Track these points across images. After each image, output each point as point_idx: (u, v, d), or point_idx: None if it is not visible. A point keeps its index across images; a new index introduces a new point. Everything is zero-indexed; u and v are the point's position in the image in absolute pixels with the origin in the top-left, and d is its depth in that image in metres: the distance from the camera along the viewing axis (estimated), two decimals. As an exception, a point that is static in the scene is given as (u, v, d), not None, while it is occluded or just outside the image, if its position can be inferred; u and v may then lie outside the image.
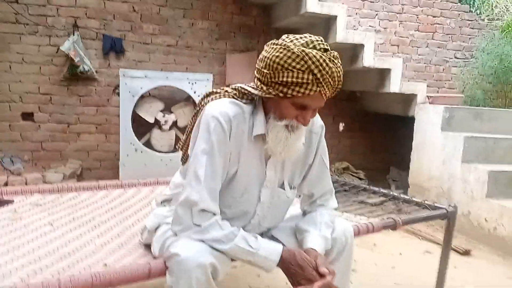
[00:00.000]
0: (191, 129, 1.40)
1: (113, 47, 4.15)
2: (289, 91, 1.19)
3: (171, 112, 3.96)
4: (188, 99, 4.01)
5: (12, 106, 3.99)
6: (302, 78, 1.16)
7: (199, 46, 4.44)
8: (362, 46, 3.84)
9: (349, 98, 5.05)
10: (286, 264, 1.26)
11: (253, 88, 1.30)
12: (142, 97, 3.82)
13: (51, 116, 4.10)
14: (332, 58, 1.19)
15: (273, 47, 1.22)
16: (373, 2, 4.90)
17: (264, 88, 1.24)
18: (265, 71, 1.21)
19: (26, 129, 4.05)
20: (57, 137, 4.13)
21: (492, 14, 5.16)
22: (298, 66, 1.16)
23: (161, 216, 1.47)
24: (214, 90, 1.40)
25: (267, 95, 1.25)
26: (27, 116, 4.05)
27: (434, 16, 5.11)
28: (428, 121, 3.82)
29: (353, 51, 4.02)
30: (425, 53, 5.11)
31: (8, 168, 3.65)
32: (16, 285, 1.11)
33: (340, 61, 1.22)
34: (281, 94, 1.21)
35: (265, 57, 1.22)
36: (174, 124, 3.96)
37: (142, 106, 3.85)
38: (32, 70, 4.00)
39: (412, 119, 4.03)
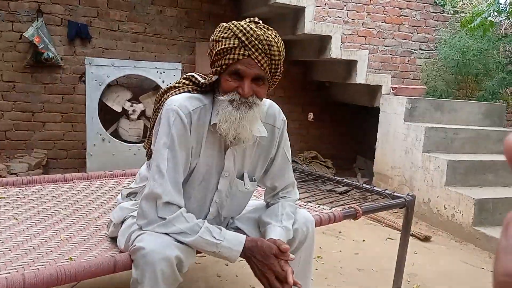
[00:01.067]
0: (153, 125, 1.42)
1: (78, 34, 4.05)
2: (223, 61, 1.25)
3: (139, 102, 3.92)
4: (156, 88, 3.97)
5: (-27, 94, 3.86)
6: (229, 44, 1.24)
7: (168, 33, 4.40)
8: (329, 37, 3.90)
9: (318, 88, 5.13)
10: (249, 253, 1.30)
11: (205, 77, 1.38)
12: (109, 85, 3.76)
13: (15, 104, 3.98)
14: (260, 26, 1.27)
15: (214, 31, 1.32)
16: (342, -8, 4.96)
17: (211, 70, 1.32)
18: (208, 51, 1.32)
19: (-12, 117, 3.93)
20: (22, 126, 4.02)
21: (456, 6, 5.31)
22: (225, 35, 1.25)
23: (127, 209, 1.49)
24: (172, 85, 1.44)
25: (212, 77, 1.32)
26: (-11, 104, 3.93)
27: (400, 8, 5.22)
28: (392, 112, 3.94)
29: (321, 42, 4.07)
30: (391, 45, 5.23)
31: (-31, 158, 3.54)
32: (-21, 281, 1.10)
33: (275, 33, 1.28)
34: (219, 69, 1.28)
35: (210, 40, 1.32)
36: (143, 113, 3.93)
37: (109, 95, 3.79)
38: (-6, 56, 3.87)
39: (377, 110, 4.14)
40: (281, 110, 1.49)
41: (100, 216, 1.79)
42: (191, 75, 1.42)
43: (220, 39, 1.25)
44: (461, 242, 3.10)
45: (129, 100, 3.88)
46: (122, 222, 1.47)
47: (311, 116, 5.16)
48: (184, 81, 1.42)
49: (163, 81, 3.79)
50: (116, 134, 3.84)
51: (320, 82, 5.06)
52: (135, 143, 3.84)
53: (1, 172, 3.45)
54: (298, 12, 3.92)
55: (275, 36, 1.27)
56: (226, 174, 1.40)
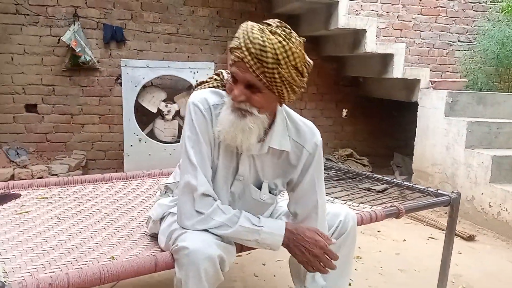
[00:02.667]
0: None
1: (114, 36, 4.13)
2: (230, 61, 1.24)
3: (174, 102, 3.95)
4: (190, 88, 4.00)
5: (16, 97, 4.00)
6: (233, 44, 1.21)
7: (200, 33, 4.42)
8: (364, 31, 3.81)
9: (351, 84, 5.02)
10: (291, 236, 1.29)
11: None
12: (144, 86, 3.81)
13: (54, 107, 4.11)
14: (263, 29, 1.17)
15: None
16: (376, -14, 4.84)
17: None
18: None
19: (30, 120, 4.06)
20: (61, 128, 4.15)
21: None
22: (236, 34, 1.22)
23: (165, 206, 1.49)
24: (203, 80, 1.44)
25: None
26: (31, 107, 4.06)
27: (437, -1, 5.05)
28: (431, 107, 3.80)
29: (355, 36, 3.99)
30: (428, 37, 5.06)
31: (14, 160, 3.68)
32: (25, 280, 1.12)
33: (279, 37, 1.16)
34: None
35: None
36: (177, 113, 3.96)
37: (144, 96, 3.84)
38: (34, 61, 4.00)
39: (415, 105, 4.01)
40: (317, 132, 1.40)
41: (139, 215, 1.80)
42: (220, 71, 1.42)
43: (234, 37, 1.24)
44: (507, 241, 2.95)
45: (163, 101, 3.92)
46: (161, 219, 1.47)
47: (344, 112, 5.07)
48: (214, 76, 1.43)
49: (196, 81, 3.79)
50: (152, 135, 3.89)
51: (354, 78, 4.96)
52: (170, 143, 3.88)
53: (42, 173, 3.56)
54: (331, 7, 3.85)
55: (279, 42, 1.15)
56: (240, 178, 1.38)
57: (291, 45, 1.17)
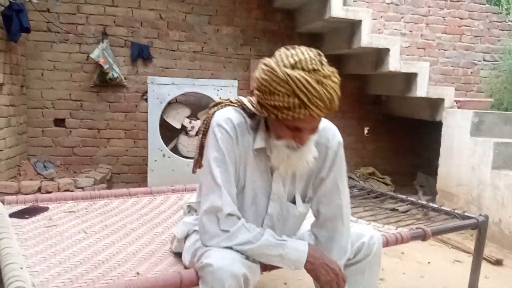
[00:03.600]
0: (201, 142, 1.45)
1: (140, 54, 4.24)
2: (280, 114, 1.19)
3: (197, 118, 4.01)
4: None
5: (45, 112, 4.13)
6: (289, 102, 1.15)
7: (224, 51, 4.49)
8: (387, 50, 3.80)
9: (374, 102, 5.00)
10: (314, 255, 1.29)
11: (253, 105, 1.33)
12: (169, 103, 3.88)
13: (82, 122, 4.22)
14: (321, 79, 1.15)
15: (263, 68, 1.21)
16: (398, 5, 4.84)
17: (259, 108, 1.26)
18: (257, 92, 1.23)
19: (58, 134, 4.18)
20: (88, 142, 4.25)
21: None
22: (283, 90, 1.15)
23: (190, 224, 1.50)
24: (218, 101, 1.43)
25: (263, 115, 1.27)
26: (59, 122, 4.18)
27: (461, 18, 5.01)
28: (456, 126, 3.74)
29: (378, 55, 3.99)
30: (452, 56, 5.02)
31: (41, 173, 3.77)
32: (55, 293, 1.15)
33: (334, 79, 1.18)
34: (273, 116, 1.21)
35: (257, 78, 1.23)
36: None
37: (169, 112, 3.91)
38: (63, 77, 4.13)
39: (439, 123, 3.96)
40: (337, 131, 1.42)
41: (164, 231, 1.82)
42: (240, 98, 1.39)
43: (278, 92, 1.16)
44: (537, 267, 2.85)
45: (187, 117, 3.98)
46: (186, 237, 1.49)
47: (366, 130, 5.04)
48: (231, 99, 1.42)
49: (220, 98, 3.85)
50: (175, 150, 3.95)
51: (376, 96, 4.94)
52: (194, 158, 3.91)
53: (68, 186, 3.64)
54: (354, 26, 3.87)
55: (335, 82, 1.18)
56: (275, 197, 1.39)
57: (337, 77, 1.21)
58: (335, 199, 1.41)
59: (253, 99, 1.34)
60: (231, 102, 1.40)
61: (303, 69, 1.15)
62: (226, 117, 1.31)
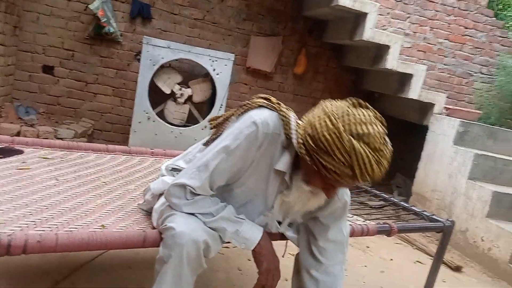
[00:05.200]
0: (232, 114, 1.39)
1: (141, 13, 4.15)
2: (325, 172, 1.15)
3: (188, 86, 3.97)
4: (206, 76, 4.02)
5: (34, 57, 4.04)
6: (341, 170, 1.12)
7: (225, 23, 4.43)
8: (387, 47, 3.80)
9: (367, 98, 5.00)
10: (265, 242, 1.34)
11: (297, 135, 1.24)
12: (162, 67, 3.83)
13: (71, 72, 4.14)
14: (381, 160, 1.13)
15: (326, 123, 1.13)
16: (407, 4, 4.81)
17: (303, 151, 1.19)
18: (311, 142, 1.16)
19: (45, 81, 4.10)
20: (74, 94, 4.18)
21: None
22: (342, 158, 1.11)
23: (167, 183, 1.50)
24: (272, 98, 1.35)
25: (303, 157, 1.20)
26: (48, 69, 4.10)
27: (466, 27, 5.01)
28: (441, 133, 3.79)
29: (378, 51, 3.98)
30: (450, 64, 5.03)
31: (22, 117, 3.72)
32: (15, 233, 1.15)
33: (389, 158, 1.16)
34: (315, 167, 1.17)
35: (316, 128, 1.15)
36: (189, 98, 3.98)
37: (160, 76, 3.87)
38: (59, 24, 4.03)
39: (425, 128, 4.00)
40: (348, 191, 1.47)
41: (136, 188, 1.82)
42: (289, 114, 1.29)
43: (333, 155, 1.11)
44: (493, 278, 2.94)
45: (178, 84, 3.94)
46: (160, 195, 1.48)
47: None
48: (284, 107, 1.32)
49: (213, 69, 3.82)
50: (161, 115, 3.92)
51: (370, 92, 4.95)
52: (178, 126, 3.90)
53: (48, 135, 3.60)
54: (359, 18, 3.85)
55: (389, 160, 1.16)
56: (269, 215, 1.41)
57: (391, 151, 1.19)
58: (341, 253, 1.50)
59: (301, 126, 1.24)
60: (280, 109, 1.31)
61: (368, 146, 1.11)
62: (265, 121, 1.26)
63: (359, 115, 1.14)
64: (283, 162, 1.29)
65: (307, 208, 1.37)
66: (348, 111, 1.15)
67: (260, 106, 1.31)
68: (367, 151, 1.10)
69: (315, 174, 1.20)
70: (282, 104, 1.33)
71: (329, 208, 1.43)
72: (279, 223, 1.46)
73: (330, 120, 1.13)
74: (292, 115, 1.30)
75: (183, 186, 1.29)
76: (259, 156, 1.29)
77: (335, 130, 1.11)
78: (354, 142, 1.10)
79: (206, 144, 1.43)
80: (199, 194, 1.29)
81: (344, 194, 1.45)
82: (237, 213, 1.35)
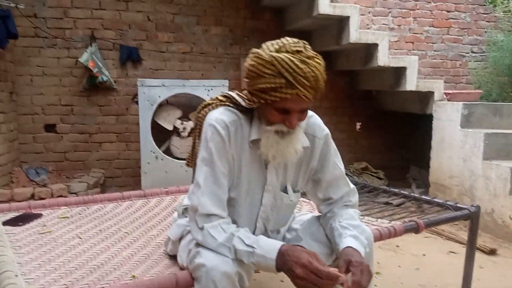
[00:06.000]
0: (194, 142, 1.47)
1: (130, 57, 4.23)
2: (267, 97, 1.22)
3: (189, 119, 4.00)
4: (205, 105, 4.05)
5: (35, 118, 4.10)
6: (275, 83, 1.19)
7: (213, 52, 4.49)
8: (376, 45, 3.83)
9: (365, 97, 5.03)
10: (282, 259, 1.19)
11: (243, 98, 1.36)
12: (160, 105, 3.87)
13: (73, 126, 4.19)
14: (304, 59, 1.19)
15: (250, 56, 1.26)
16: (386, 0, 4.87)
17: (249, 96, 1.30)
18: (246, 80, 1.27)
19: (49, 140, 4.15)
20: (80, 147, 4.23)
21: (508, 6, 5.06)
22: (269, 72, 1.19)
23: (183, 226, 1.50)
24: (209, 101, 1.45)
25: (252, 105, 1.30)
26: (50, 127, 4.16)
27: (448, 11, 5.05)
28: (446, 119, 3.78)
29: (367, 50, 4.00)
30: (440, 49, 5.06)
31: (34, 179, 3.75)
32: (51, 300, 1.14)
33: (317, 60, 1.22)
34: (262, 101, 1.24)
35: (245, 66, 1.27)
36: (193, 130, 4.00)
37: (160, 114, 3.90)
38: (53, 82, 4.11)
39: (430, 116, 3.99)
40: (323, 124, 1.47)
41: (158, 234, 1.82)
42: (228, 93, 1.42)
43: (263, 74, 1.20)
44: (530, 255, 2.89)
45: (179, 118, 3.98)
46: (180, 238, 1.49)
47: (358, 126, 5.07)
48: (220, 97, 1.42)
49: (211, 98, 3.84)
50: (168, 152, 3.94)
51: (366, 91, 4.96)
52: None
53: (61, 192, 3.62)
54: (342, 22, 3.89)
55: (319, 63, 1.22)
56: (269, 188, 1.40)
57: (321, 59, 1.25)
58: (341, 180, 1.50)
59: (243, 93, 1.37)
60: (221, 101, 1.40)
61: (287, 51, 1.20)
62: (218, 117, 1.32)
63: (276, 40, 1.26)
64: (254, 131, 1.34)
65: (284, 154, 1.29)
66: (265, 43, 1.27)
67: (206, 114, 1.38)
68: (287, 55, 1.19)
69: (267, 110, 1.26)
70: (219, 96, 1.43)
71: (316, 154, 1.44)
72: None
73: (252, 52, 1.26)
74: (232, 92, 1.41)
75: (192, 216, 1.30)
76: (234, 149, 1.32)
77: (256, 55, 1.23)
78: (273, 53, 1.20)
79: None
80: (208, 215, 1.27)
81: (318, 128, 1.44)
82: (244, 205, 1.37)
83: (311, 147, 1.42)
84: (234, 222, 1.36)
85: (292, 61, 1.18)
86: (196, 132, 1.44)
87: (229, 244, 1.24)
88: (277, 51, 1.21)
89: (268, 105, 1.24)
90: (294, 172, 1.45)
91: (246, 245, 1.22)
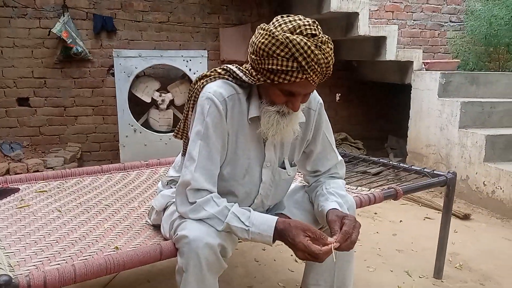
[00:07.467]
0: (187, 114, 1.41)
1: (104, 27, 4.09)
2: (276, 78, 1.18)
3: (168, 91, 3.94)
4: (184, 77, 3.99)
5: (7, 91, 3.96)
6: (287, 66, 1.15)
7: (191, 21, 4.38)
8: (356, 14, 3.79)
9: (345, 68, 5.02)
10: (280, 236, 1.23)
11: (245, 72, 1.30)
12: (138, 76, 3.79)
13: (47, 100, 4.07)
14: (319, 44, 1.16)
15: (260, 33, 1.20)
16: (366, -32, 4.80)
17: (254, 73, 1.25)
18: (253, 57, 1.21)
19: (23, 114, 4.03)
20: (55, 121, 4.12)
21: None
22: (282, 54, 1.15)
23: (168, 196, 1.50)
24: (206, 73, 1.38)
25: (257, 82, 1.25)
26: (23, 101, 4.03)
27: (428, -20, 5.04)
28: (424, 88, 3.82)
29: (348, 19, 3.97)
30: (420, 18, 5.06)
31: (8, 154, 3.66)
32: (32, 273, 1.13)
33: (330, 45, 1.19)
34: (268, 81, 1.21)
35: (253, 42, 1.21)
36: (171, 102, 3.95)
37: (138, 86, 3.82)
38: (24, 54, 3.95)
39: (409, 87, 4.03)
40: (316, 93, 1.45)
41: (140, 205, 1.81)
42: (227, 67, 1.36)
43: (276, 56, 1.15)
44: (502, 219, 3.00)
45: (157, 90, 3.90)
46: (164, 209, 1.49)
47: (338, 97, 5.08)
48: (219, 70, 1.37)
49: (189, 69, 3.79)
50: (147, 125, 3.89)
51: (347, 62, 4.96)
52: (166, 132, 3.87)
53: (38, 166, 3.55)
54: (322, -9, 3.83)
55: (331, 48, 1.20)
56: (268, 164, 1.39)
57: (332, 44, 1.22)
58: (330, 153, 1.51)
59: (244, 66, 1.32)
60: (219, 73, 1.35)
61: (302, 34, 1.15)
62: (216, 90, 1.28)
63: (287, 17, 1.21)
64: (253, 108, 1.31)
65: (284, 133, 1.30)
66: (276, 18, 1.22)
67: (203, 86, 1.33)
68: (302, 38, 1.14)
69: (272, 90, 1.24)
70: (217, 69, 1.37)
71: (311, 125, 1.44)
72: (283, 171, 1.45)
73: (263, 29, 1.20)
74: (232, 66, 1.35)
75: (182, 190, 1.28)
76: (230, 124, 1.30)
77: (268, 32, 1.17)
78: (288, 34, 1.15)
79: (184, 154, 1.43)
80: (199, 190, 1.26)
81: (313, 100, 1.43)
82: (242, 182, 1.36)
83: (306, 119, 1.41)
84: (230, 198, 1.34)
85: (308, 46, 1.14)
86: (190, 104, 1.38)
87: (221, 216, 1.24)
88: (292, 32, 1.16)
89: (274, 85, 1.21)
90: (291, 146, 1.45)
91: (241, 221, 1.23)
